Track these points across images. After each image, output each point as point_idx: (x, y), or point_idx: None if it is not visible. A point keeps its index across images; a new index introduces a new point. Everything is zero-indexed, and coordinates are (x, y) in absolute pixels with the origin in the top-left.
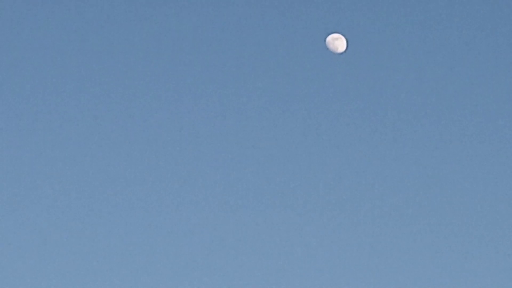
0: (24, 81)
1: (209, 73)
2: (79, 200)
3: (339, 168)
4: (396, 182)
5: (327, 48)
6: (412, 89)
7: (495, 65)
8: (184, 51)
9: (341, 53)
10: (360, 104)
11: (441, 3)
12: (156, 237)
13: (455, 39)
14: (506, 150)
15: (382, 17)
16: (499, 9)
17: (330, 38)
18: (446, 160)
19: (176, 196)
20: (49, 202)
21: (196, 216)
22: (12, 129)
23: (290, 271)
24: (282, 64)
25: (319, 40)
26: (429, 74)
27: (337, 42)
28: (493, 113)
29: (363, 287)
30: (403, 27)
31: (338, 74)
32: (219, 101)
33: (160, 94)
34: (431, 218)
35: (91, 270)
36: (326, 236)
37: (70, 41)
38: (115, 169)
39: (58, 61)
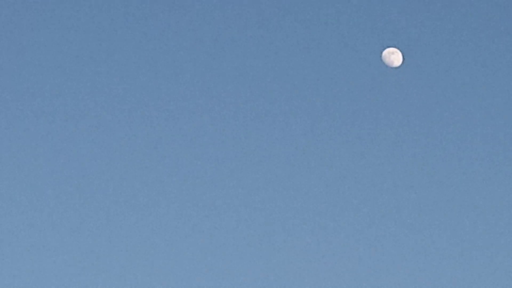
0: (24, 81)
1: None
2: (79, 200)
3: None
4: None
5: (383, 62)
6: (467, 104)
7: None
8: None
9: (397, 68)
10: (415, 119)
11: (501, 17)
12: (156, 237)
13: None
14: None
15: (439, 32)
16: None
17: (386, 52)
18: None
19: (176, 196)
20: (49, 202)
21: (196, 216)
22: (12, 129)
23: (290, 271)
24: (338, 78)
25: (375, 54)
26: (485, 91)
27: (393, 56)
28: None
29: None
30: (459, 42)
31: (393, 88)
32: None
33: (172, 93)
34: (432, 219)
35: (91, 270)
36: (327, 236)
37: (70, 41)
38: (115, 169)
39: (58, 61)
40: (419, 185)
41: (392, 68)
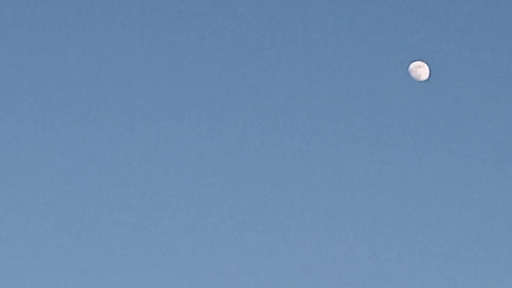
0: (24, 81)
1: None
2: (79, 200)
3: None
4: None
5: (410, 76)
6: (495, 119)
7: None
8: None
9: (424, 81)
10: (442, 133)
11: None
12: (156, 237)
13: None
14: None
15: (466, 45)
16: None
17: (413, 65)
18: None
19: (176, 196)
20: (48, 202)
21: (196, 216)
22: (12, 129)
23: (290, 271)
24: (365, 91)
25: (402, 67)
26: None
27: (420, 70)
28: None
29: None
30: (487, 56)
31: (420, 102)
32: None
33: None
34: (433, 220)
35: (91, 270)
36: (327, 237)
37: (70, 41)
38: (115, 170)
39: (58, 61)
40: (443, 196)
41: (419, 81)
